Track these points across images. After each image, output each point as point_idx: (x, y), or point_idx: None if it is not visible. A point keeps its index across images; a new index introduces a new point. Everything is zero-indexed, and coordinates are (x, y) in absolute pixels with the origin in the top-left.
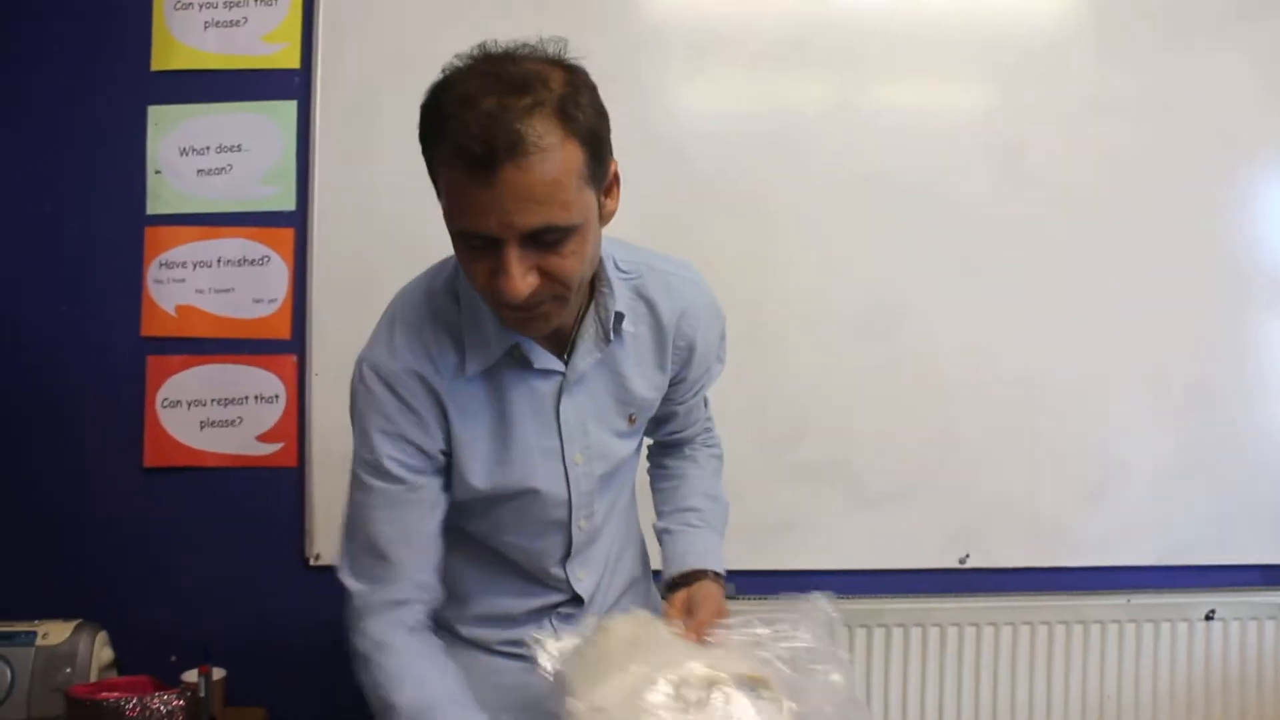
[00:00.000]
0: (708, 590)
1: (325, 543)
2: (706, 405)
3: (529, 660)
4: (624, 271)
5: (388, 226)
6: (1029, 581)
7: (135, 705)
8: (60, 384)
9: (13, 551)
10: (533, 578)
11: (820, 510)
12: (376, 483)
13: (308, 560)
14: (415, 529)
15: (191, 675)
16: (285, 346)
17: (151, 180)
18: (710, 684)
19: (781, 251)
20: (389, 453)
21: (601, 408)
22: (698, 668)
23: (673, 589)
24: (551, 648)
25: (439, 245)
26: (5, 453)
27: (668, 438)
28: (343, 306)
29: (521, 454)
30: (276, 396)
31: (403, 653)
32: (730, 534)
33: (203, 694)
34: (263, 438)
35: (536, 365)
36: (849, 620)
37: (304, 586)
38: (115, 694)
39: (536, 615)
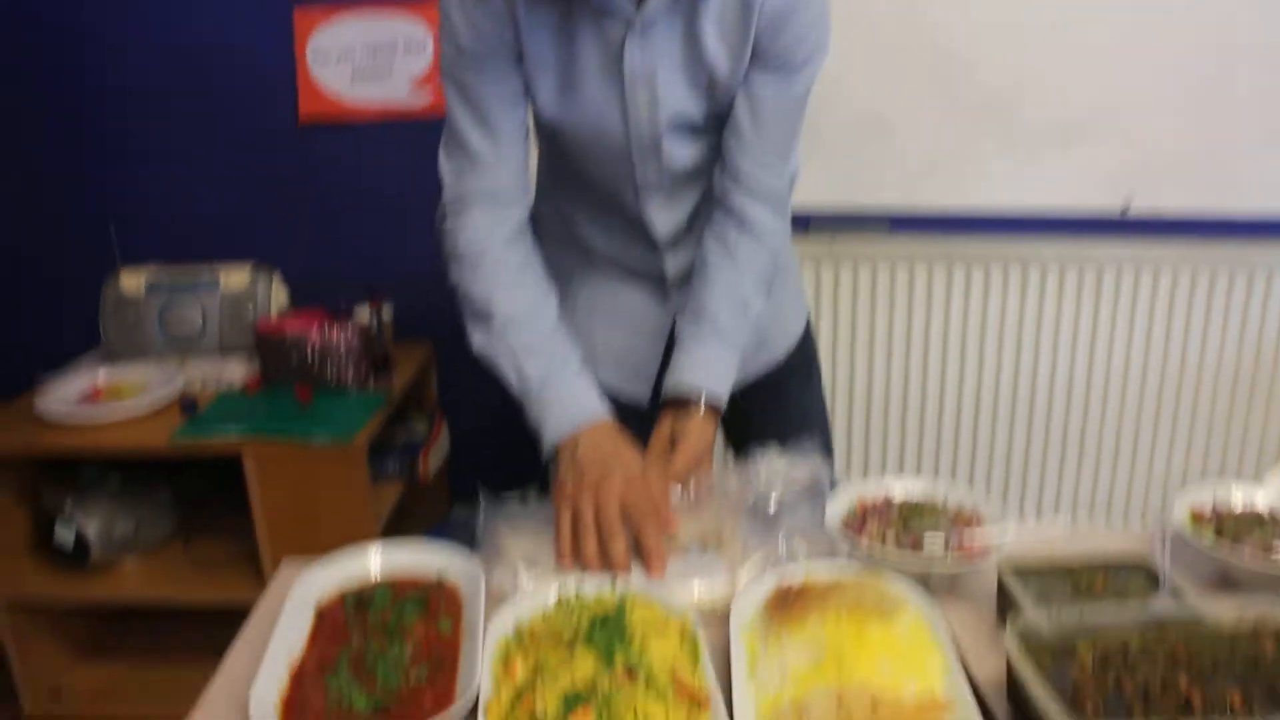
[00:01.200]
0: (691, 427)
1: None
2: (788, 165)
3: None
4: None
5: None
6: (1195, 230)
7: (317, 336)
8: (214, 42)
9: (188, 199)
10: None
11: (976, 148)
12: (459, 73)
13: None
14: (496, 120)
15: (364, 311)
16: None
17: None
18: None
19: None
20: (465, 27)
21: (672, 62)
22: None
23: (666, 409)
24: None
25: None
26: (175, 111)
27: (728, 183)
28: None
29: (584, 92)
30: (425, 44)
31: (499, 262)
32: (880, 172)
33: (375, 326)
34: (416, 87)
35: (609, 5)
36: (1004, 260)
37: None
38: (297, 327)
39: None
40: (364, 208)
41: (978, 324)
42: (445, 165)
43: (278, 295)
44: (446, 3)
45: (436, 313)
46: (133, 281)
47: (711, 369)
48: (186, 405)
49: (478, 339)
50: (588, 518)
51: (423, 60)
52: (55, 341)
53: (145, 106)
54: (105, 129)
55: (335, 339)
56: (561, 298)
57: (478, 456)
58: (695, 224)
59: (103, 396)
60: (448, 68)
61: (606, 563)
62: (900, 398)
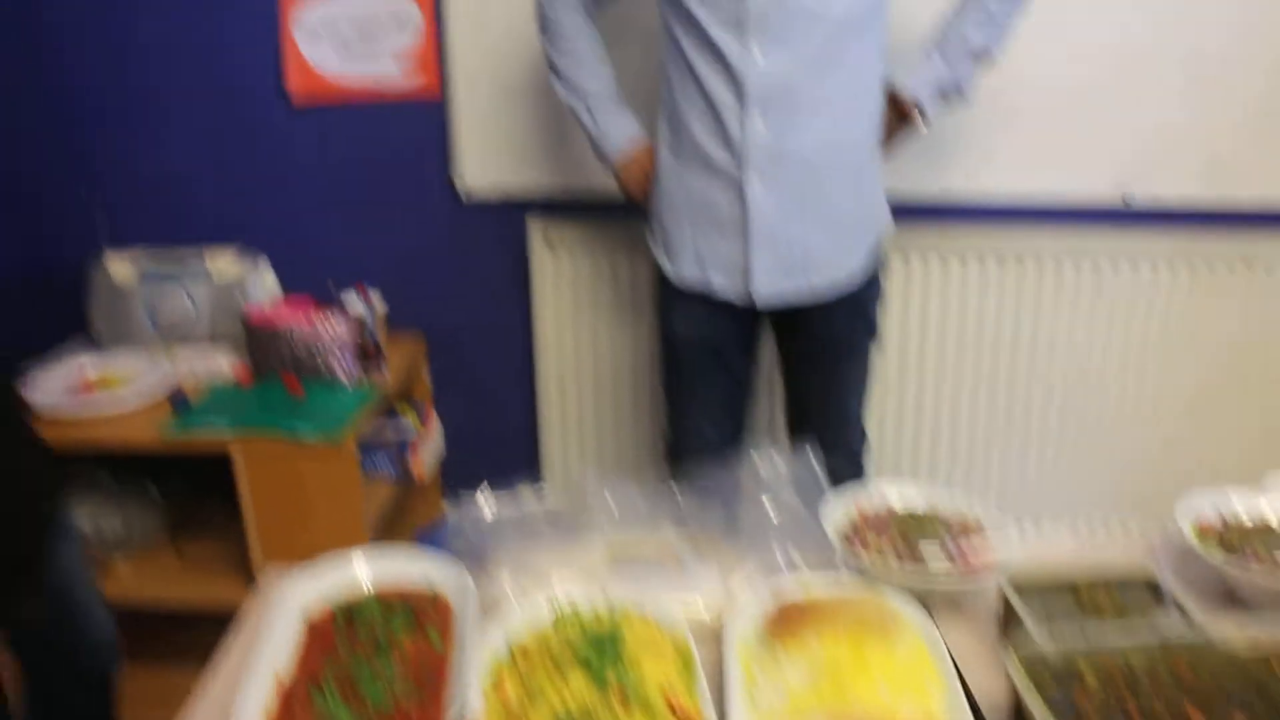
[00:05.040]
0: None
1: (473, 172)
2: None
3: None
4: None
5: None
6: (1197, 221)
7: (308, 327)
8: (202, 24)
9: (175, 184)
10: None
11: (974, 136)
12: None
13: (456, 191)
14: None
15: (352, 300)
16: None
17: None
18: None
19: None
20: None
21: None
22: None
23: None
24: None
25: None
26: (158, 89)
27: None
28: None
29: None
30: (415, 25)
31: (586, 40)
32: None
33: (366, 317)
34: (404, 70)
35: None
36: (999, 253)
37: (453, 216)
38: (288, 317)
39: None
40: (354, 192)
41: (975, 316)
42: None
43: (267, 282)
44: None
45: (429, 302)
46: (122, 269)
47: (913, 76)
48: (177, 399)
49: (561, 90)
50: None
51: (412, 36)
52: (38, 327)
53: (130, 86)
54: (89, 109)
55: (326, 330)
56: (654, 196)
57: (471, 453)
58: (791, 89)
59: (92, 388)
60: None
61: None
62: (896, 392)
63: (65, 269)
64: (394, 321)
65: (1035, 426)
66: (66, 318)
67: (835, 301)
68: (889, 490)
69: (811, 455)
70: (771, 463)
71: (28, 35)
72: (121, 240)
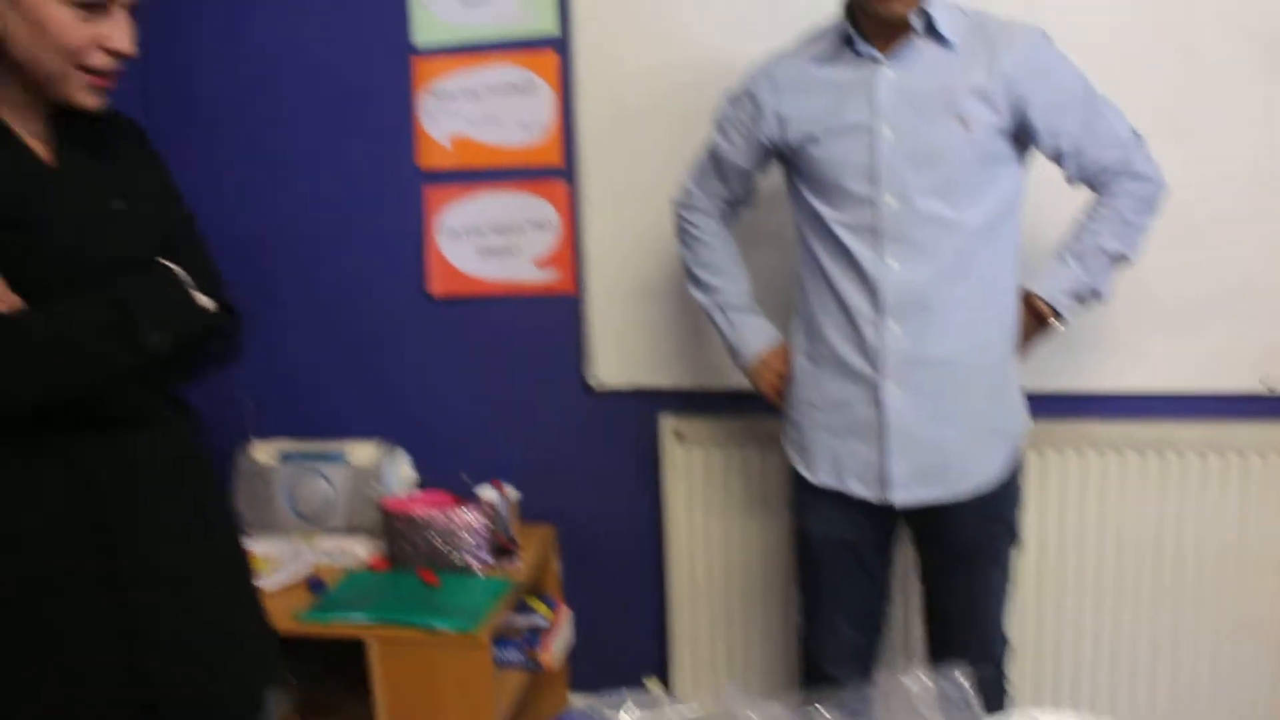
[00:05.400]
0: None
1: (606, 367)
2: (1119, 143)
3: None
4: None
5: (654, 45)
6: None
7: (443, 519)
8: (346, 219)
9: (317, 377)
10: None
11: (1106, 324)
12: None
13: (589, 385)
14: (734, 176)
15: (486, 491)
16: (557, 173)
17: (415, 10)
18: None
19: None
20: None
21: (922, 98)
22: None
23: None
24: None
25: (704, 59)
26: (303, 286)
27: (1077, 177)
28: (612, 129)
29: (837, 125)
30: (551, 223)
31: (723, 246)
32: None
33: (500, 509)
34: (540, 264)
35: (862, 52)
36: (1138, 445)
37: (587, 410)
38: (423, 508)
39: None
40: (488, 383)
41: (1115, 511)
42: (692, 174)
43: (404, 472)
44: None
45: (560, 493)
46: (265, 455)
47: (1046, 277)
48: (315, 584)
49: (698, 295)
50: None
51: (549, 236)
52: None
53: (279, 280)
54: (240, 303)
55: (461, 521)
56: (789, 398)
57: (600, 643)
58: (925, 296)
59: None
60: (718, 120)
61: None
62: (1035, 592)
63: (214, 456)
64: (525, 511)
65: (1186, 630)
66: None
67: (973, 503)
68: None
69: (962, 678)
70: (919, 683)
71: None
72: (266, 431)
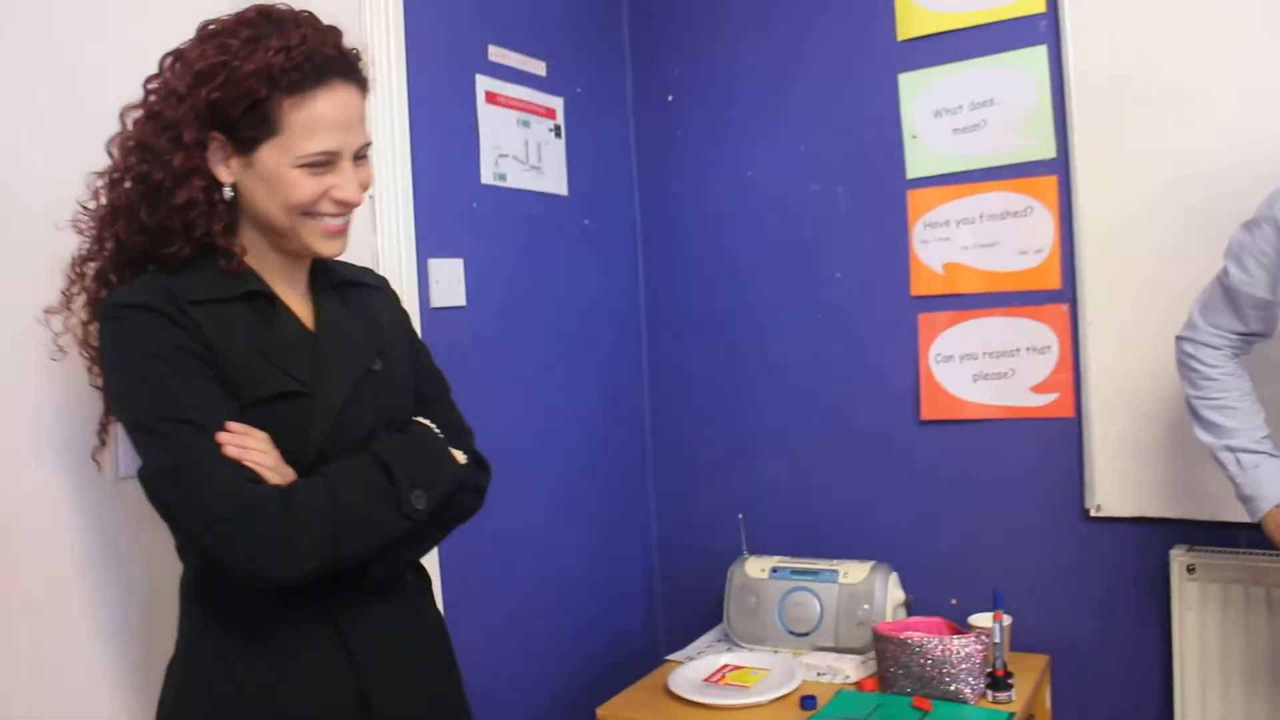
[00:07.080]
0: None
1: (1106, 493)
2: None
3: None
4: None
5: (1159, 160)
6: None
7: (937, 646)
8: (842, 345)
9: (809, 497)
10: None
11: None
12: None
13: (1087, 511)
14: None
15: (980, 618)
16: (1055, 296)
17: (908, 144)
18: None
19: None
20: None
21: None
22: None
23: None
24: None
25: (1214, 170)
26: (800, 409)
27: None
28: (1114, 251)
29: None
30: (1049, 347)
31: (1234, 383)
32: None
33: (996, 640)
34: (1037, 388)
35: None
36: None
37: (1084, 537)
38: (917, 633)
39: None
40: (979, 506)
41: None
42: (1200, 305)
43: (894, 594)
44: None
45: (1053, 624)
46: (757, 570)
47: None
48: (807, 701)
49: (1204, 436)
50: None
51: (1046, 363)
52: (680, 619)
53: (782, 403)
54: (736, 425)
55: (955, 649)
56: None
57: None
58: None
59: (726, 680)
60: (1233, 248)
61: None
62: None
63: (709, 571)
64: (1015, 639)
65: None
66: (704, 612)
67: None
68: None
69: None
70: None
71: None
72: (757, 547)
